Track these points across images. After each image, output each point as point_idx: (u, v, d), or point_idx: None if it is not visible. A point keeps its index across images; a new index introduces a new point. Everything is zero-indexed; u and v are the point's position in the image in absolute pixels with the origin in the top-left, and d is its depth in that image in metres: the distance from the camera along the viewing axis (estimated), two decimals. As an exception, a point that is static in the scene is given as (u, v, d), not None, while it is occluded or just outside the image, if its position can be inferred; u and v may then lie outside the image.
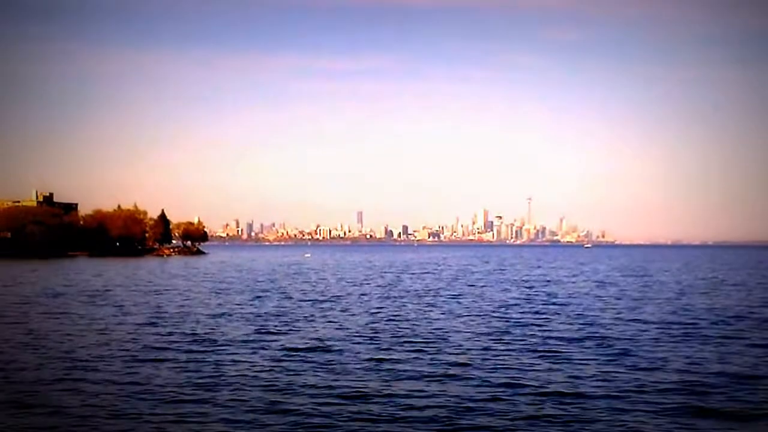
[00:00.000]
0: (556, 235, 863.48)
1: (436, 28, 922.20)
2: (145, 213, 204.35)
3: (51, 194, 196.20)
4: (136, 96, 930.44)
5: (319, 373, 23.02)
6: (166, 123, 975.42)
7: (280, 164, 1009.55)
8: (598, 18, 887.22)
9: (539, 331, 33.09)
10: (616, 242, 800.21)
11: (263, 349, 27.99)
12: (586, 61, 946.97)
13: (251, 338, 30.90)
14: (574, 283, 72.90)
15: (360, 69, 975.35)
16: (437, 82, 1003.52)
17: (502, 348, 28.05)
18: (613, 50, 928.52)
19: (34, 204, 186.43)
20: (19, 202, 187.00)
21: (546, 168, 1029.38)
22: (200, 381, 21.86)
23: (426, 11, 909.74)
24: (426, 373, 22.88)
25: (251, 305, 46.54)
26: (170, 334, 32.33)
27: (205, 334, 32.24)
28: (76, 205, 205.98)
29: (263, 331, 33.36)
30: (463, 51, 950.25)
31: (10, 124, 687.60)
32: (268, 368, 23.88)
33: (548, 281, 75.44)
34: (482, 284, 70.38)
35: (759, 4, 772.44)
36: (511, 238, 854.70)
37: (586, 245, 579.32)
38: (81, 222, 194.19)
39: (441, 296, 54.24)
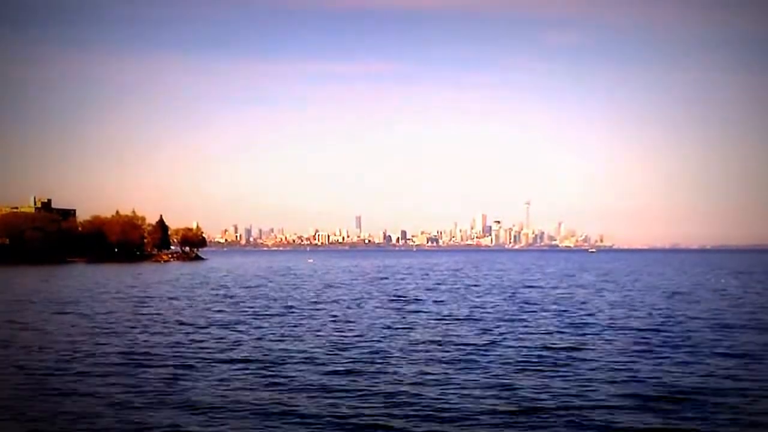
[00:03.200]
0: (555, 240, 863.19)
1: (435, 31, 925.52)
2: (143, 219, 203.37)
3: (49, 200, 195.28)
4: (134, 100, 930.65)
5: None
6: (164, 128, 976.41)
7: (278, 169, 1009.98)
8: (599, 21, 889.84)
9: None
10: (615, 246, 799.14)
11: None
12: (586, 65, 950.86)
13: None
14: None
15: (360, 73, 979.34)
16: (436, 85, 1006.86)
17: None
18: (613, 53, 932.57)
19: (33, 210, 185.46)
20: (17, 208, 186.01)
21: (545, 171, 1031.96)
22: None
23: (426, 15, 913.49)
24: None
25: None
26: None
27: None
28: (74, 211, 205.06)
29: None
30: (462, 55, 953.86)
31: (9, 129, 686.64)
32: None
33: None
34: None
35: (759, 7, 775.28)
36: (510, 242, 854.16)
37: (590, 250, 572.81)
38: (79, 228, 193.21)
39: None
